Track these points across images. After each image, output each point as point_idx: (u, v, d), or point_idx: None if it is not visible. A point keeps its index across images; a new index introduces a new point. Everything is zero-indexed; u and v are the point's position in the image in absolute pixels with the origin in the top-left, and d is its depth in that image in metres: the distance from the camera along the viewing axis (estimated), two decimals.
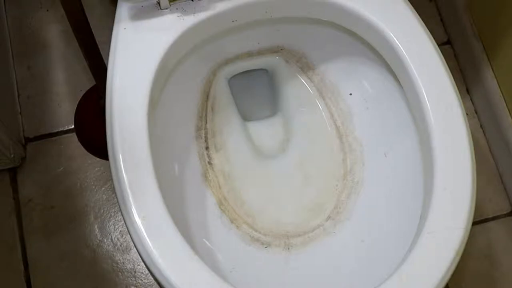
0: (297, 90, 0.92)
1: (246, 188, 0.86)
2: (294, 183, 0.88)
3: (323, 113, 0.90)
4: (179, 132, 0.86)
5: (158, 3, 0.74)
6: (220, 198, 0.84)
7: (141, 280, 1.06)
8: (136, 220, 0.64)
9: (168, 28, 0.73)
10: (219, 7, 0.75)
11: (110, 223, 1.09)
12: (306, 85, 0.92)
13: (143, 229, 0.64)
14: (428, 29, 0.75)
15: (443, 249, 0.64)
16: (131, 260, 1.07)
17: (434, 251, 0.64)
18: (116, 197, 0.67)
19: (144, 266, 0.94)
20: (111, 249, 1.07)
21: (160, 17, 0.74)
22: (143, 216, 0.64)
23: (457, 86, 0.72)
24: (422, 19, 0.75)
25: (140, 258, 0.71)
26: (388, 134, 0.85)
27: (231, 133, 0.89)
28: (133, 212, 0.64)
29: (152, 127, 0.70)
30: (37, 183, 1.10)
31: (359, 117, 0.88)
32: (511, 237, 1.10)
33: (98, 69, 0.94)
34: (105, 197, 1.10)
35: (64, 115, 1.15)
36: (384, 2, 0.75)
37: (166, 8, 0.74)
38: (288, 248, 0.82)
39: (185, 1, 0.74)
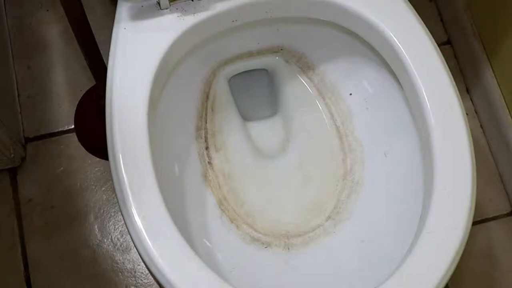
0: (297, 90, 0.92)
1: (246, 188, 0.86)
2: (294, 183, 0.88)
3: (323, 113, 0.90)
4: (179, 132, 0.86)
5: (158, 3, 0.74)
6: (220, 198, 0.84)
7: (141, 280, 1.06)
8: (136, 220, 0.64)
9: (168, 28, 0.73)
10: (219, 7, 0.75)
11: (110, 223, 1.09)
12: (306, 85, 0.92)
13: (143, 229, 0.64)
14: (428, 29, 0.75)
15: (443, 249, 0.64)
16: (131, 260, 1.07)
17: (434, 251, 0.64)
18: (116, 197, 0.67)
19: (144, 266, 0.94)
20: (111, 249, 1.07)
21: (160, 17, 0.74)
22: (143, 216, 0.64)
23: (457, 86, 0.72)
24: (422, 19, 0.75)
25: (140, 258, 0.71)
26: (388, 134, 0.85)
27: (231, 133, 0.89)
28: (133, 212, 0.64)
29: (152, 127, 0.70)
30: (37, 183, 1.10)
31: (359, 117, 0.88)
32: (511, 237, 1.10)
33: (98, 69, 0.94)
34: (105, 197, 1.10)
35: (64, 115, 1.15)
36: (384, 2, 0.75)
37: (166, 8, 0.74)
38: (288, 248, 0.82)
39: (185, 1, 0.74)
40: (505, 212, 1.13)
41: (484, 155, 1.16)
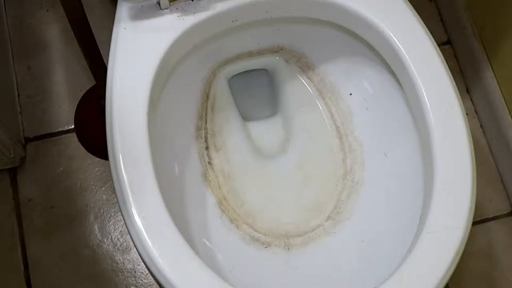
0: (297, 90, 0.92)
1: (246, 188, 0.86)
2: (294, 183, 0.88)
3: (323, 113, 0.90)
4: (179, 132, 0.86)
5: (158, 3, 0.74)
6: (220, 198, 0.84)
7: (141, 280, 1.06)
8: (136, 220, 0.64)
9: (168, 28, 0.73)
10: (219, 7, 0.75)
11: (110, 223, 1.09)
12: (306, 85, 0.92)
13: (143, 229, 0.64)
14: (428, 29, 0.75)
15: (443, 249, 0.64)
16: (131, 260, 1.07)
17: (434, 251, 0.64)
18: (116, 197, 0.67)
19: (144, 266, 0.94)
20: (111, 249, 1.07)
21: (160, 17, 0.74)
22: (143, 216, 0.64)
23: (457, 86, 0.72)
24: (422, 19, 0.75)
25: (140, 258, 0.71)
26: (388, 134, 0.85)
27: (231, 133, 0.89)
28: (133, 212, 0.64)
29: (152, 127, 0.70)
30: (37, 183, 1.10)
31: (359, 117, 0.88)
32: (511, 237, 1.10)
33: (98, 69, 0.94)
34: (105, 197, 1.10)
35: (64, 115, 1.15)
36: (384, 2, 0.75)
37: (166, 8, 0.74)
38: (288, 248, 0.82)
39: (185, 1, 0.74)
40: (505, 212, 1.13)
41: (484, 155, 1.16)
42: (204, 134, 0.88)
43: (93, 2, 1.17)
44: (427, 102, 0.70)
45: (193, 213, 0.82)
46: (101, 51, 0.92)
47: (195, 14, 0.74)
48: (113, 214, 1.09)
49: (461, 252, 0.64)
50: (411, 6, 0.76)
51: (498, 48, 1.09)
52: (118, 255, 1.07)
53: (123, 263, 1.06)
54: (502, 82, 1.10)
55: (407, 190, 0.79)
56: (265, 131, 0.93)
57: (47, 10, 1.21)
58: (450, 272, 0.63)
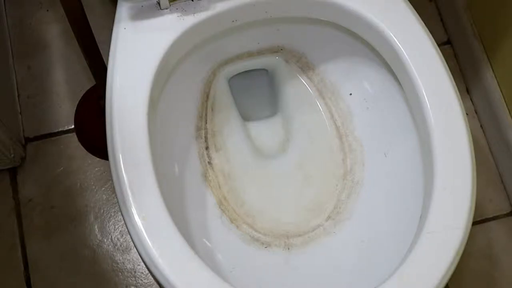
0: (297, 90, 0.92)
1: (246, 188, 0.86)
2: (294, 183, 0.88)
3: (323, 113, 0.90)
4: (179, 132, 0.86)
5: (158, 3, 0.74)
6: (220, 198, 0.85)
7: (141, 280, 1.06)
8: (136, 220, 0.64)
9: (168, 28, 0.73)
10: (219, 7, 0.75)
11: (110, 223, 1.09)
12: (306, 85, 0.92)
13: (143, 229, 0.64)
14: (428, 29, 0.75)
15: (443, 249, 0.64)
16: (131, 260, 1.07)
17: (434, 251, 0.64)
18: (116, 197, 0.67)
19: (144, 266, 0.94)
20: (111, 249, 1.07)
21: (160, 17, 0.74)
22: (143, 216, 0.64)
23: (457, 86, 0.72)
24: (422, 19, 0.75)
25: (140, 258, 0.71)
26: (388, 134, 0.85)
27: (231, 133, 0.89)
28: (133, 212, 0.64)
29: (152, 127, 0.70)
30: (37, 183, 1.10)
31: (359, 117, 0.88)
32: (511, 237, 1.10)
33: (98, 69, 0.94)
34: (105, 197, 1.10)
35: (64, 115, 1.15)
36: (384, 2, 0.75)
37: (166, 8, 0.74)
38: (288, 248, 0.82)
39: (185, 1, 0.74)
40: (505, 212, 1.13)
41: (484, 155, 1.16)
42: (204, 134, 0.88)
43: (93, 2, 1.17)
44: (427, 102, 0.70)
45: (193, 213, 0.82)
46: (101, 51, 0.92)
47: (195, 14, 0.74)
48: (113, 214, 1.09)
49: (461, 252, 0.64)
50: (411, 6, 0.76)
51: (498, 48, 1.09)
52: (118, 255, 1.07)
53: (123, 263, 1.06)
54: (502, 82, 1.10)
55: (407, 190, 0.79)
56: (265, 131, 0.93)
57: (47, 10, 1.21)
58: (450, 272, 0.63)
